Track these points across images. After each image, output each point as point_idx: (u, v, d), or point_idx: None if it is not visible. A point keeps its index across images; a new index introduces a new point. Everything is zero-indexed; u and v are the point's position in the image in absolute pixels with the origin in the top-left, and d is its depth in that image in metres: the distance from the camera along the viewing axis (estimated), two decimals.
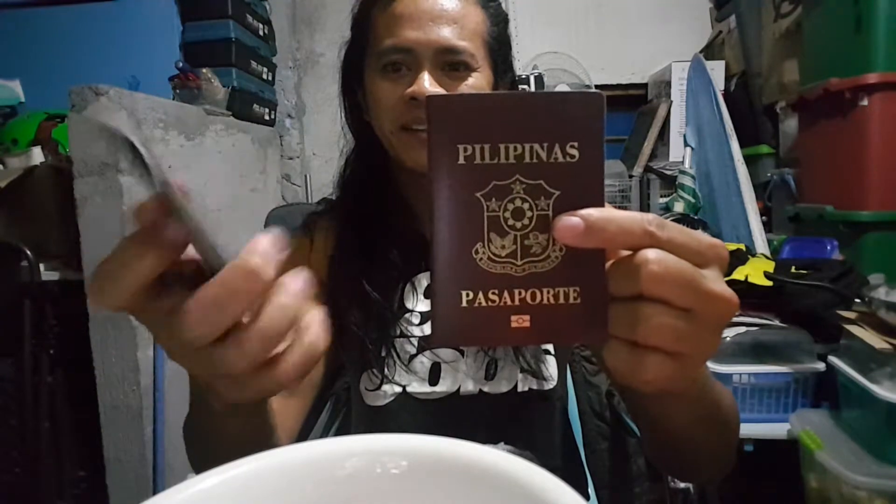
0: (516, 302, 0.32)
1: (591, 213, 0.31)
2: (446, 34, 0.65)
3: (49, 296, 1.52)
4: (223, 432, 0.44)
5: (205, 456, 0.51)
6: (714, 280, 0.32)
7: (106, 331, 1.46)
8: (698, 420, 0.46)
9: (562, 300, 0.32)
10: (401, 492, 0.28)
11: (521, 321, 0.32)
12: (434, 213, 0.32)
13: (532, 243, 0.32)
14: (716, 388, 0.48)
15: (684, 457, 0.55)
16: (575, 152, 0.31)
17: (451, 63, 0.65)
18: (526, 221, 0.31)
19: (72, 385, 1.55)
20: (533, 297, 0.32)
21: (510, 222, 0.31)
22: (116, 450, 1.49)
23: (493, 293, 0.32)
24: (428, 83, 0.64)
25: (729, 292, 0.33)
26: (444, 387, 0.69)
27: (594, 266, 0.32)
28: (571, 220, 0.30)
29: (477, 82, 0.67)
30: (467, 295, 0.32)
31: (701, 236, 0.33)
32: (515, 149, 0.31)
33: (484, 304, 0.32)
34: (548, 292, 0.32)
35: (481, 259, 0.32)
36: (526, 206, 0.31)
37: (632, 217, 0.31)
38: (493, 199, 0.31)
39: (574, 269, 0.32)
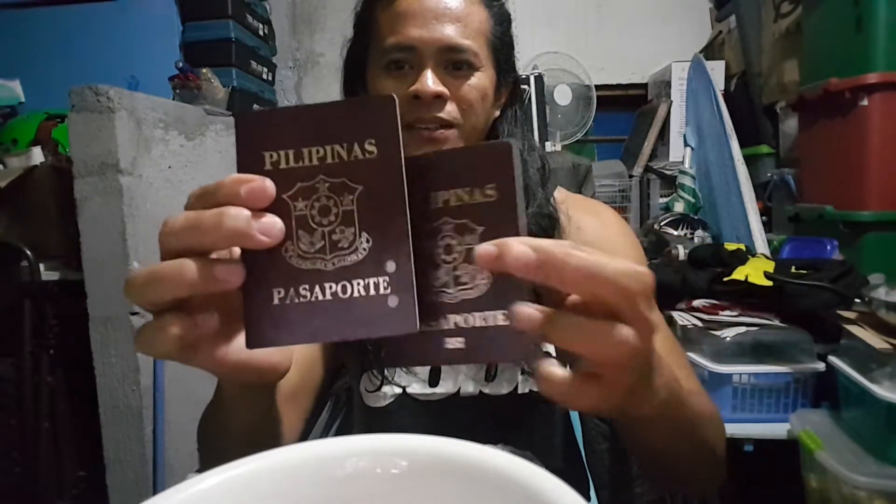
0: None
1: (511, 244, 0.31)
2: (450, 32, 0.65)
3: (49, 296, 1.52)
4: (230, 421, 0.46)
5: (215, 450, 0.53)
6: (642, 301, 0.33)
7: (106, 331, 1.46)
8: (676, 439, 0.47)
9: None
10: (401, 492, 0.28)
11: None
12: None
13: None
14: (692, 405, 0.47)
15: (668, 472, 0.55)
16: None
17: (454, 62, 0.65)
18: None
19: (72, 385, 1.56)
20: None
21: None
22: (116, 450, 1.49)
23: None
24: (431, 81, 0.63)
25: (652, 315, 0.33)
26: (444, 388, 0.69)
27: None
28: (488, 250, 0.31)
29: (480, 81, 0.66)
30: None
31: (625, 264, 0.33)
32: (318, 151, 0.33)
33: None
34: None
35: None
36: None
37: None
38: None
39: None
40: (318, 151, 0.33)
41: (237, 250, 0.34)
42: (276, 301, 0.33)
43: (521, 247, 0.31)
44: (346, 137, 0.32)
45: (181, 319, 0.33)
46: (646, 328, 0.33)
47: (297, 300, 0.33)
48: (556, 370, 0.33)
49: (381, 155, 0.32)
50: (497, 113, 0.73)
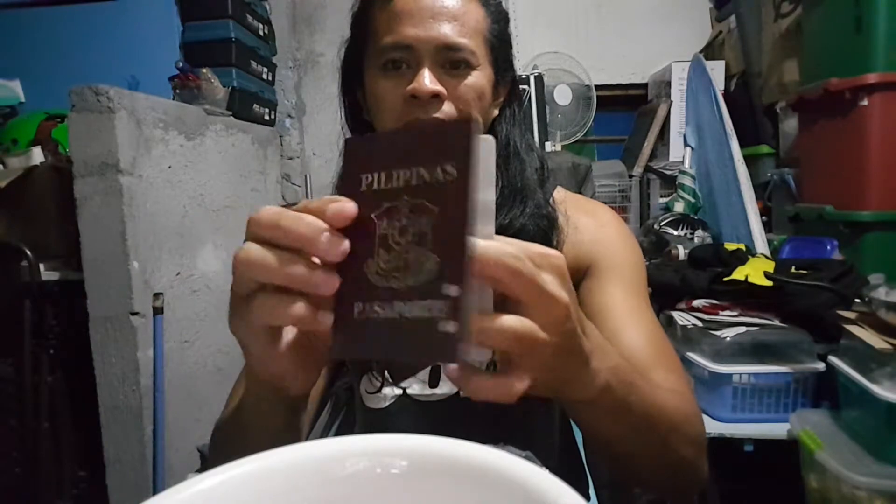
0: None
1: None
2: (447, 31, 0.64)
3: (49, 296, 1.52)
4: (254, 428, 0.47)
5: (231, 454, 0.52)
6: (548, 282, 0.35)
7: (106, 331, 1.46)
8: (626, 428, 0.46)
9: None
10: (401, 492, 0.28)
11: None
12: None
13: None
14: (649, 397, 0.47)
15: (621, 465, 0.54)
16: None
17: (451, 60, 0.65)
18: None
19: (72, 385, 1.55)
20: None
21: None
22: (116, 450, 1.49)
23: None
24: (428, 80, 0.63)
25: (561, 294, 0.35)
26: (444, 389, 0.69)
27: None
28: None
29: (477, 80, 0.66)
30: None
31: (532, 246, 0.36)
32: (405, 173, 0.34)
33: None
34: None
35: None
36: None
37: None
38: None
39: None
40: (405, 173, 0.34)
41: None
42: (356, 315, 0.34)
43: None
44: (431, 160, 0.33)
45: (307, 305, 0.35)
46: (552, 308, 0.35)
47: (372, 315, 0.34)
48: (469, 373, 0.35)
49: (459, 178, 0.32)
50: (496, 112, 0.73)
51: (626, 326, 0.63)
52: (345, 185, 0.36)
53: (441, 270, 0.32)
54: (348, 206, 0.35)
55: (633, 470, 0.54)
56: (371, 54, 0.68)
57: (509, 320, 0.34)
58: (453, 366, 0.33)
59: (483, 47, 0.67)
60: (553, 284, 0.35)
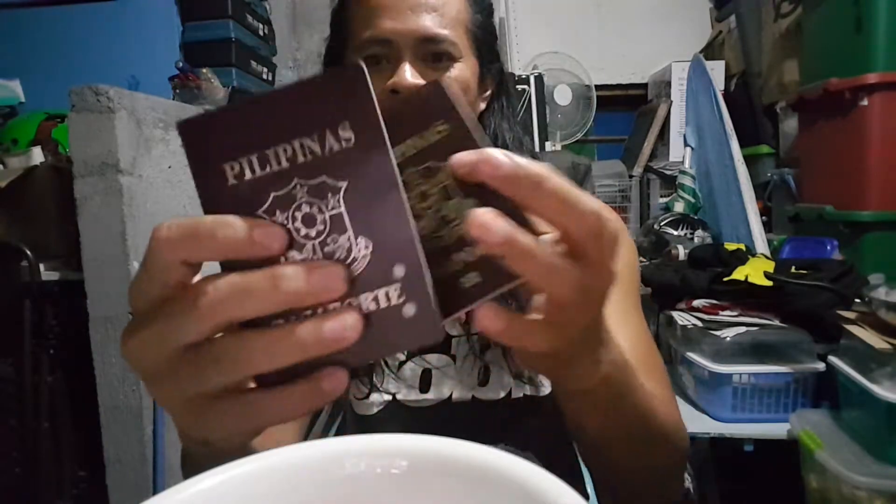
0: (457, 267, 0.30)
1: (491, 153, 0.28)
2: (426, 23, 0.63)
3: (49, 296, 1.52)
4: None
5: None
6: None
7: (106, 331, 1.46)
8: (616, 430, 0.44)
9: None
10: (401, 492, 0.28)
11: (471, 278, 0.30)
12: None
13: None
14: (648, 403, 0.46)
15: (608, 469, 0.52)
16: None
17: (432, 53, 0.63)
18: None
19: (72, 385, 1.56)
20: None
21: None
22: (116, 450, 1.49)
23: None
24: (409, 74, 0.61)
25: (612, 216, 0.32)
26: (434, 394, 0.67)
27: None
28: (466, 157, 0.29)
29: (461, 73, 0.64)
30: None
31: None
32: (286, 150, 0.27)
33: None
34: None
35: None
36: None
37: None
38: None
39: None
40: (285, 150, 0.27)
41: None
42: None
43: (501, 156, 0.28)
44: (316, 126, 0.27)
45: (309, 381, 0.28)
46: (606, 277, 0.31)
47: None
48: (497, 308, 0.30)
49: (359, 140, 0.27)
50: (483, 105, 0.71)
51: (614, 327, 0.62)
52: (205, 185, 0.27)
53: (379, 251, 0.27)
54: (272, 233, 0.27)
55: (617, 475, 0.51)
56: (350, 50, 0.67)
57: (584, 272, 0.30)
58: (487, 311, 0.30)
59: (465, 38, 0.65)
60: (610, 252, 0.31)
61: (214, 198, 0.27)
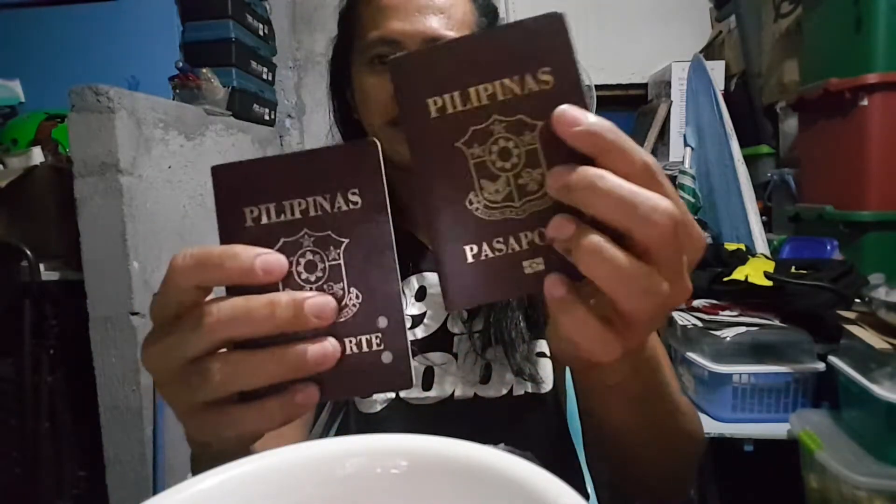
0: (524, 246, 0.30)
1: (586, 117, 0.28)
2: (433, 25, 0.64)
3: (49, 296, 1.52)
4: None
5: None
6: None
7: (106, 331, 1.46)
8: (642, 423, 0.43)
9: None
10: (401, 492, 0.28)
11: (534, 265, 0.30)
12: (418, 174, 0.30)
13: (527, 181, 0.30)
14: (673, 398, 0.45)
15: (622, 465, 0.52)
16: (549, 78, 0.29)
17: None
18: (515, 160, 0.30)
19: (72, 385, 1.56)
20: (541, 237, 0.30)
21: (498, 164, 0.30)
22: (116, 450, 1.49)
23: (499, 241, 0.30)
24: None
25: (698, 233, 0.31)
26: (437, 391, 0.68)
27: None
28: (569, 114, 0.28)
29: None
30: (471, 249, 0.30)
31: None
32: (486, 89, 0.29)
33: (491, 254, 0.30)
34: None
35: (477, 209, 0.30)
36: (511, 144, 0.30)
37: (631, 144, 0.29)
38: (476, 145, 0.30)
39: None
40: (299, 204, 0.31)
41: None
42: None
43: (619, 131, 0.28)
44: (329, 188, 0.30)
45: (284, 395, 0.30)
46: (681, 291, 0.30)
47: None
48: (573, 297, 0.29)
49: (365, 205, 0.30)
50: None
51: None
52: (226, 222, 0.31)
53: (367, 303, 0.31)
54: (271, 262, 0.30)
55: (637, 469, 0.51)
56: (358, 51, 0.68)
57: (662, 281, 0.29)
58: (559, 292, 0.29)
59: None
60: (687, 265, 0.30)
61: (231, 235, 0.31)
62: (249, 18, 2.15)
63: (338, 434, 0.84)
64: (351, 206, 0.31)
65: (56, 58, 1.90)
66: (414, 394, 0.68)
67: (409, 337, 0.69)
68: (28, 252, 1.48)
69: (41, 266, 1.50)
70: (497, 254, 0.30)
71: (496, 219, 0.30)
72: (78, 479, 1.58)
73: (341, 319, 0.31)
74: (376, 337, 0.31)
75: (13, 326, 1.48)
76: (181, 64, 1.80)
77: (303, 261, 0.31)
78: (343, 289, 0.31)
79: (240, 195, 0.31)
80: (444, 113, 0.30)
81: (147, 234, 1.49)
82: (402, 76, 0.30)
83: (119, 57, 1.89)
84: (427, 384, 0.68)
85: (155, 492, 1.00)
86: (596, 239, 0.28)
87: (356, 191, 0.30)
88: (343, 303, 0.31)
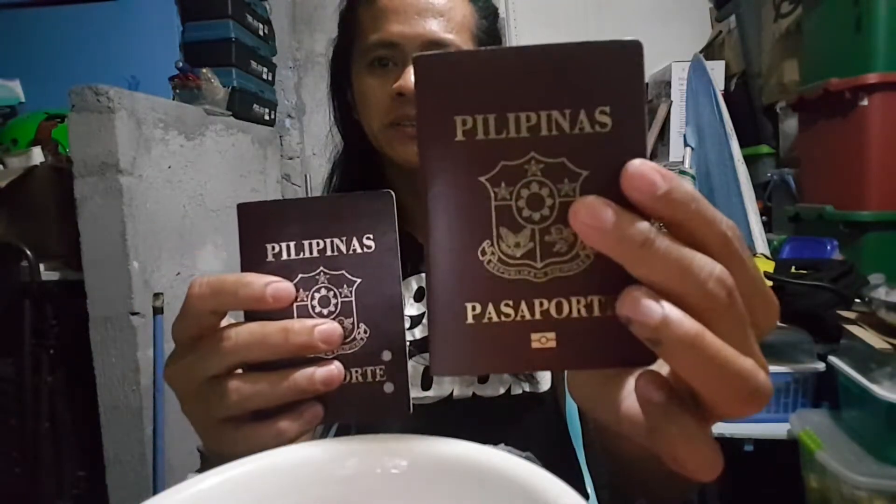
0: (537, 315, 0.25)
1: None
2: (433, 27, 0.64)
3: (49, 296, 1.52)
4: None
5: None
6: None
7: (106, 331, 1.46)
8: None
9: (597, 312, 0.25)
10: (401, 492, 0.28)
11: (544, 340, 0.26)
12: (428, 204, 0.25)
13: (555, 239, 0.25)
14: None
15: (634, 482, 0.48)
16: (607, 119, 0.24)
17: None
18: (546, 211, 0.25)
19: (72, 385, 1.56)
20: (559, 308, 0.25)
21: (525, 213, 0.25)
22: (116, 450, 1.50)
23: (507, 305, 0.26)
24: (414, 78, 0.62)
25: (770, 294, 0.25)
26: (436, 391, 0.68)
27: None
28: (592, 206, 0.23)
29: None
30: (473, 308, 0.26)
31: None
32: (528, 118, 0.24)
33: (496, 319, 0.26)
34: (578, 302, 0.25)
35: (490, 262, 0.25)
36: (545, 191, 0.25)
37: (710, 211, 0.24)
38: (503, 185, 0.25)
39: (613, 271, 0.24)
40: (318, 244, 0.33)
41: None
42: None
43: (697, 194, 0.23)
44: (346, 231, 0.33)
45: (293, 413, 0.32)
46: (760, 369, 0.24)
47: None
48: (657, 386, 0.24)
49: (378, 249, 0.32)
50: None
51: None
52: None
53: (374, 338, 0.33)
54: (282, 290, 0.32)
55: (644, 486, 0.48)
56: (358, 53, 0.68)
57: (753, 366, 0.23)
58: (657, 397, 0.24)
59: (471, 43, 0.67)
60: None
61: (253, 268, 0.33)
62: (249, 18, 2.15)
63: (338, 434, 0.84)
64: (365, 250, 0.33)
65: (56, 58, 1.90)
66: (413, 393, 0.68)
67: (409, 337, 0.69)
68: (28, 252, 1.48)
69: (41, 266, 1.50)
70: (503, 319, 0.26)
71: (510, 277, 0.25)
72: (78, 479, 1.58)
73: (350, 351, 0.33)
74: (380, 369, 0.33)
75: (13, 326, 1.48)
76: (181, 64, 1.80)
77: (318, 295, 0.33)
78: (353, 323, 0.33)
79: (263, 232, 0.33)
80: (473, 137, 0.25)
81: (147, 234, 1.49)
82: (429, 81, 0.25)
83: (119, 57, 1.89)
84: (426, 384, 0.68)
85: (155, 492, 1.00)
86: (695, 329, 0.22)
87: (371, 236, 0.32)
88: (352, 336, 0.33)
